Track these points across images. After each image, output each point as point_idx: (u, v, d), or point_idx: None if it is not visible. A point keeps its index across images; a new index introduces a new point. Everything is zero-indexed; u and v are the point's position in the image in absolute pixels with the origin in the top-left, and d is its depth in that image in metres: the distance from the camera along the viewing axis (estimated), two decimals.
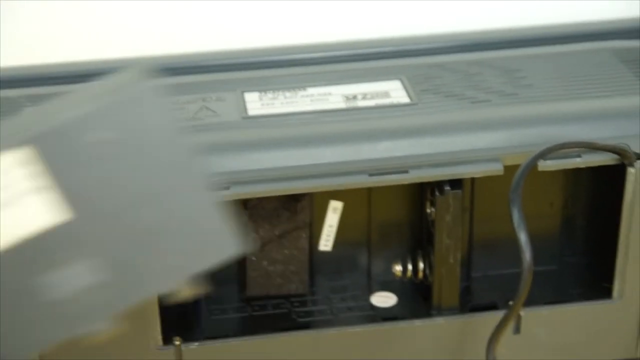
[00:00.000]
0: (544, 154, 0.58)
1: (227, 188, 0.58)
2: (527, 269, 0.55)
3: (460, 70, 0.68)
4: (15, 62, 0.71)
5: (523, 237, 0.55)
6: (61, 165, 0.41)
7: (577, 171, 0.62)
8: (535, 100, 0.64)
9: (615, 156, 0.59)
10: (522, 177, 0.58)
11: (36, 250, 0.41)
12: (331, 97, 0.65)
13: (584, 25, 0.76)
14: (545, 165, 0.59)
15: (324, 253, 0.65)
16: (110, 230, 0.42)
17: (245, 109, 0.64)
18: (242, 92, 0.66)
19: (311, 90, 0.66)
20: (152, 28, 0.75)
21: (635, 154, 0.59)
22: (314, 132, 0.62)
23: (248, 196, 0.59)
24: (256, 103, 0.65)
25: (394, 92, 0.66)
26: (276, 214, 0.63)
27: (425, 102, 0.64)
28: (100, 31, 0.74)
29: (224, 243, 0.43)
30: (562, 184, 0.66)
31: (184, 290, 0.44)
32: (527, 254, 0.55)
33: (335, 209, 0.64)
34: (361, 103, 0.64)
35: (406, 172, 0.59)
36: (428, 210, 0.62)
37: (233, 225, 0.43)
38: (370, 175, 0.59)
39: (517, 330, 0.62)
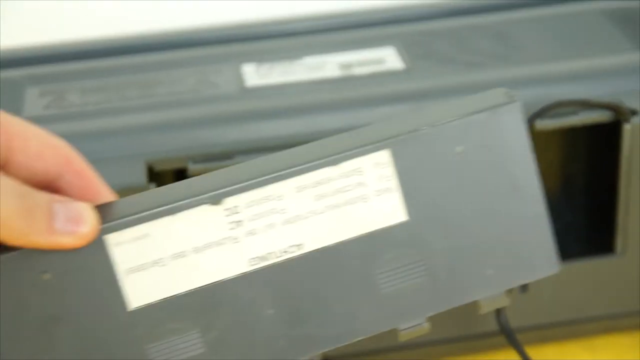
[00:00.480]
0: (540, 113, 0.59)
1: (231, 157, 0.59)
2: None
3: (452, 35, 0.69)
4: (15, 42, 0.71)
5: None
6: (410, 170, 0.44)
7: (574, 130, 0.63)
8: (527, 62, 0.64)
9: (611, 113, 0.60)
10: None
11: (373, 245, 0.44)
12: (327, 65, 0.66)
13: None
14: (543, 124, 0.60)
15: None
16: (441, 236, 0.45)
17: (243, 80, 0.65)
18: (240, 64, 0.67)
19: (307, 60, 0.67)
20: (149, 4, 0.76)
21: (630, 109, 0.60)
22: (311, 101, 0.62)
23: None
24: (254, 74, 0.65)
25: (389, 58, 0.66)
26: None
27: (419, 67, 0.65)
28: (94, 8, 0.75)
29: (544, 262, 0.47)
30: (560, 143, 0.67)
31: (496, 301, 0.46)
32: None
33: None
34: (357, 70, 0.65)
35: None
36: None
37: (553, 246, 0.46)
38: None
39: (524, 288, 0.63)
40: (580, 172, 0.67)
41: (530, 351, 0.60)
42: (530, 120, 0.59)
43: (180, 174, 0.59)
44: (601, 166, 0.64)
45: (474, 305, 0.47)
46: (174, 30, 0.72)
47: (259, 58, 0.67)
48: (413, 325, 0.45)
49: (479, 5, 0.74)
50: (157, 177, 0.59)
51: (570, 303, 0.65)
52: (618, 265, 0.63)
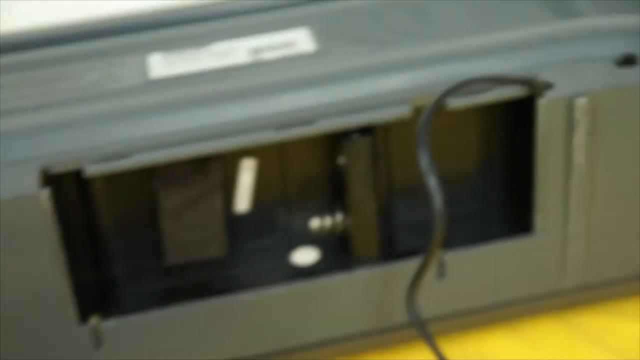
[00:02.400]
0: (449, 92, 0.56)
1: (129, 156, 0.56)
2: (438, 213, 0.54)
3: (367, 13, 0.66)
4: None
5: (432, 181, 0.54)
6: None
7: (492, 108, 0.61)
8: (443, 38, 0.62)
9: (525, 88, 0.58)
10: (429, 118, 0.56)
11: None
12: (236, 51, 0.63)
13: None
14: (455, 103, 0.57)
15: (242, 214, 0.63)
16: None
17: (148, 72, 0.62)
18: (146, 54, 0.64)
19: (216, 47, 0.64)
20: None
21: (545, 83, 0.58)
22: (219, 90, 0.59)
23: (153, 164, 0.57)
24: (160, 65, 0.63)
25: (300, 41, 0.63)
26: (187, 178, 0.61)
27: (332, 49, 0.62)
28: None
29: None
30: (478, 121, 0.64)
31: None
32: (437, 198, 0.54)
33: (247, 168, 0.62)
34: (266, 55, 0.62)
35: (312, 123, 0.57)
36: (340, 161, 0.61)
37: None
38: (276, 129, 0.57)
39: (441, 274, 0.60)
40: (500, 150, 0.65)
41: (450, 341, 0.57)
42: (440, 99, 0.56)
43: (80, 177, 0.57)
44: (521, 143, 0.62)
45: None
46: (76, 22, 0.69)
47: (166, 47, 0.64)
48: None
49: None
50: (54, 180, 0.56)
51: (491, 286, 0.62)
52: (538, 244, 0.61)
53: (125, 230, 0.63)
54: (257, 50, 0.63)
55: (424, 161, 0.54)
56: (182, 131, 0.58)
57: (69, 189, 0.59)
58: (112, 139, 0.57)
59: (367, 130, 0.59)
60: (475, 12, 0.64)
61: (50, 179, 0.56)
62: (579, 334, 0.63)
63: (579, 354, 0.62)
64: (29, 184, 0.55)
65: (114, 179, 0.61)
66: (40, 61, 0.64)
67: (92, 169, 0.56)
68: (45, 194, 0.55)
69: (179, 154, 0.57)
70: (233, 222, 0.63)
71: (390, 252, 0.63)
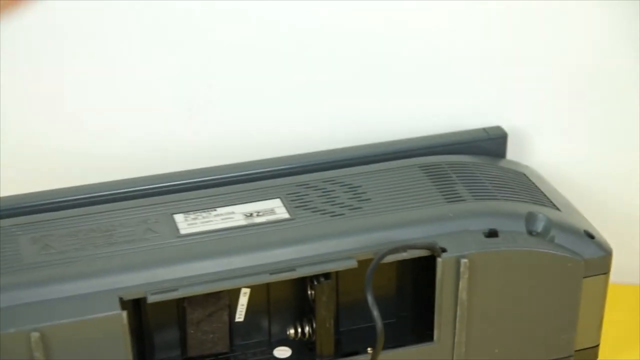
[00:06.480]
0: (386, 254, 0.89)
1: (176, 289, 0.87)
2: (379, 333, 0.86)
3: (318, 187, 0.97)
4: None
5: (375, 313, 0.87)
6: None
7: (406, 262, 0.92)
8: (373, 213, 0.94)
9: (429, 251, 0.91)
10: (373, 270, 0.89)
11: None
12: (235, 215, 0.94)
13: (395, 144, 1.06)
14: (386, 260, 0.90)
15: (239, 323, 0.94)
16: None
17: (178, 229, 0.93)
18: (171, 214, 0.95)
19: (220, 210, 0.94)
20: None
21: (441, 248, 0.91)
22: (227, 246, 0.90)
23: (189, 294, 0.88)
24: (184, 223, 0.93)
25: (277, 209, 0.94)
26: (206, 301, 0.92)
27: (300, 216, 0.94)
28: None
29: None
30: (396, 266, 0.97)
31: None
32: (379, 324, 0.86)
33: (245, 293, 0.94)
34: (257, 219, 0.93)
35: (294, 270, 0.89)
36: (309, 292, 0.93)
37: None
38: (271, 274, 0.88)
39: None
40: (411, 285, 0.97)
41: None
42: (380, 259, 0.89)
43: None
44: (426, 284, 0.94)
45: None
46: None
47: (184, 209, 0.95)
48: None
49: (332, 160, 1.04)
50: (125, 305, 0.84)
51: None
52: (436, 349, 0.93)
53: (162, 334, 0.94)
54: (249, 215, 0.94)
55: (370, 299, 0.87)
56: (209, 274, 0.89)
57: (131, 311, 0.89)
58: (164, 277, 0.88)
59: (326, 275, 0.91)
60: (389, 192, 0.97)
61: (124, 304, 0.86)
62: None
63: None
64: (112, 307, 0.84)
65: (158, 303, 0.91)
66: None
67: (153, 298, 0.86)
68: (124, 314, 0.85)
69: (208, 288, 0.88)
70: (235, 328, 0.95)
71: (339, 351, 0.95)
